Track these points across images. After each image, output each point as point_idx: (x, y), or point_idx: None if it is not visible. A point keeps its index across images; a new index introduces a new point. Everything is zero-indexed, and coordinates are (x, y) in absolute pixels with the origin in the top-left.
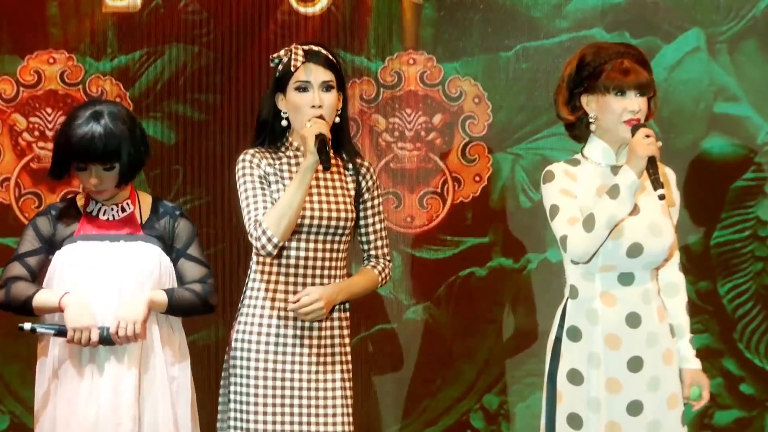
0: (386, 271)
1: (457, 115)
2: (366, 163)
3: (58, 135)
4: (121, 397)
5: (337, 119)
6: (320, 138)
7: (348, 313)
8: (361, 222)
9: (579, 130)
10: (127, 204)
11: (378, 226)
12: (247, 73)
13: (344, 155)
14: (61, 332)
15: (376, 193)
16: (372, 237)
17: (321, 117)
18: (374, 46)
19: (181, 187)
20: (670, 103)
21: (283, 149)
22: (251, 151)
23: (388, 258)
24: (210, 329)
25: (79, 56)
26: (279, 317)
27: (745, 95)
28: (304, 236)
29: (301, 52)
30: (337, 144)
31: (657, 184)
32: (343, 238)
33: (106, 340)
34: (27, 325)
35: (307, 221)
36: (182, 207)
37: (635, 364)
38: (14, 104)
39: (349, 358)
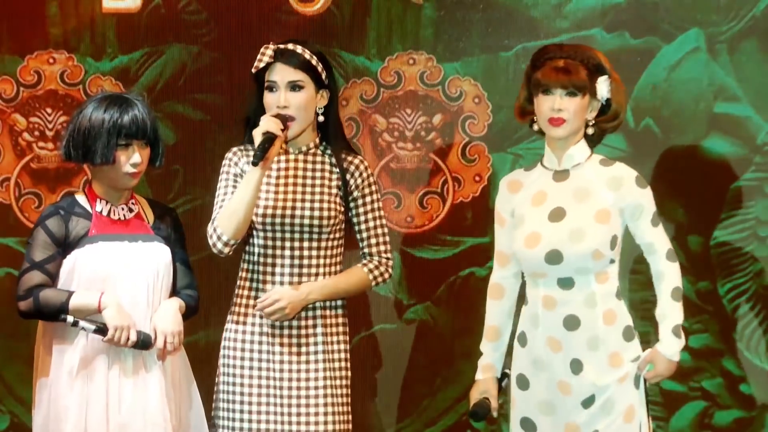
0: (381, 268)
1: (457, 115)
2: (356, 161)
3: (97, 119)
4: (149, 398)
5: (321, 118)
6: (267, 135)
7: (337, 311)
8: (354, 220)
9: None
10: (133, 204)
11: (371, 224)
12: (247, 73)
13: (331, 152)
14: (100, 330)
15: (367, 191)
16: (365, 234)
17: (278, 115)
18: (374, 46)
19: (181, 187)
20: (670, 103)
21: None
22: (234, 149)
23: (385, 255)
24: (210, 329)
25: (79, 56)
26: (257, 316)
27: (745, 95)
28: (278, 234)
29: (269, 52)
30: (326, 141)
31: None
32: (325, 237)
33: (143, 342)
34: (70, 318)
35: (279, 219)
36: (174, 208)
37: (576, 367)
38: (14, 104)
39: (339, 356)
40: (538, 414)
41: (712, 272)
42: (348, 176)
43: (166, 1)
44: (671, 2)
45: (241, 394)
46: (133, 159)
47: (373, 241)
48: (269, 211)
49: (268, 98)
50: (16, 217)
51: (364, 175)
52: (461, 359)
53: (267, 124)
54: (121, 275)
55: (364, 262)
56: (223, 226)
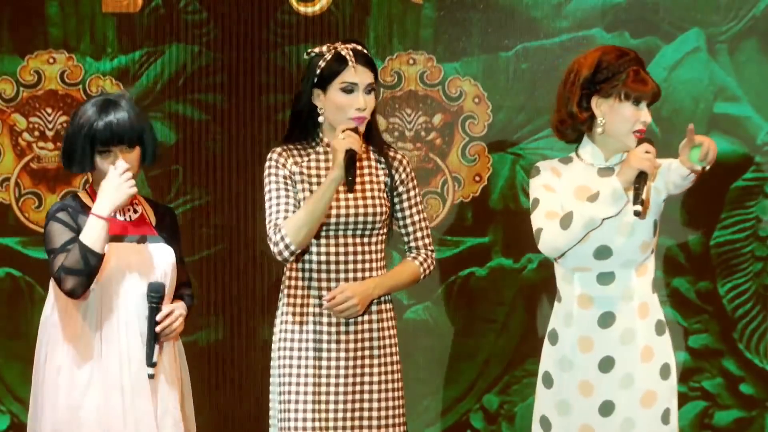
0: (428, 261)
1: (457, 115)
2: (398, 156)
3: (77, 126)
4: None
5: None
6: (350, 153)
7: (388, 305)
8: (399, 215)
9: (569, 130)
10: (136, 204)
11: (416, 218)
12: (247, 73)
13: (375, 148)
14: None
15: (411, 185)
16: (411, 228)
17: (355, 129)
18: (374, 46)
19: (181, 187)
20: (670, 103)
21: (313, 145)
22: (278, 149)
23: (430, 248)
24: (209, 329)
25: (79, 56)
26: (315, 315)
27: (745, 95)
28: (332, 233)
29: (351, 53)
30: (368, 138)
31: (637, 199)
32: (375, 232)
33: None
34: (150, 371)
35: (335, 219)
36: (172, 207)
37: (606, 365)
38: (14, 104)
39: (392, 350)
40: (555, 414)
41: (712, 272)
42: (393, 171)
43: (166, 1)
44: (671, 2)
45: (297, 393)
46: (117, 165)
47: (419, 234)
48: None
49: (345, 99)
50: (16, 217)
51: (408, 170)
52: (461, 359)
53: (349, 141)
54: (131, 276)
55: (413, 255)
56: (292, 235)
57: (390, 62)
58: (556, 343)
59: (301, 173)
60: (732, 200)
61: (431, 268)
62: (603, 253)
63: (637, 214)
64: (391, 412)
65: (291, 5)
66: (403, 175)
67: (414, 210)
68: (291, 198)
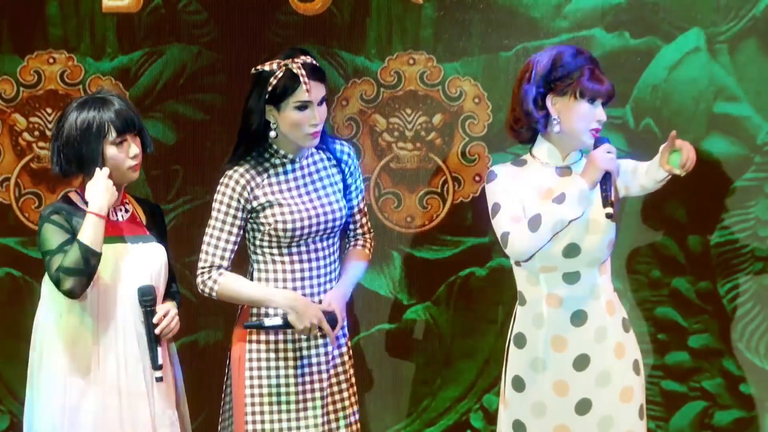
0: (371, 243)
1: (457, 115)
2: (345, 148)
3: (81, 127)
4: (158, 399)
5: None
6: (284, 326)
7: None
8: (347, 205)
9: (524, 129)
10: (127, 204)
11: (361, 205)
12: (247, 73)
13: (323, 145)
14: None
15: (357, 174)
16: (358, 217)
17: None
18: (374, 46)
19: (181, 187)
20: (670, 103)
21: (267, 156)
22: (236, 176)
23: (371, 231)
24: (209, 329)
25: (79, 56)
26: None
27: (745, 95)
28: (302, 241)
29: (303, 71)
30: (321, 140)
31: (606, 201)
32: (336, 232)
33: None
34: (158, 373)
35: (306, 230)
36: (159, 204)
37: (581, 363)
38: (14, 104)
39: (348, 348)
40: (530, 416)
41: (712, 272)
42: (343, 165)
43: (166, 1)
44: (671, 2)
45: (278, 395)
46: (132, 152)
47: (364, 221)
48: (297, 224)
49: (300, 116)
50: (16, 217)
51: (352, 157)
52: (461, 359)
53: (310, 327)
54: (127, 278)
55: (361, 243)
56: (221, 296)
57: (390, 62)
58: (525, 345)
59: (265, 194)
60: (732, 200)
61: (372, 250)
62: (572, 251)
63: (609, 216)
64: (353, 409)
65: (291, 5)
66: (352, 167)
67: (360, 197)
68: (234, 236)
